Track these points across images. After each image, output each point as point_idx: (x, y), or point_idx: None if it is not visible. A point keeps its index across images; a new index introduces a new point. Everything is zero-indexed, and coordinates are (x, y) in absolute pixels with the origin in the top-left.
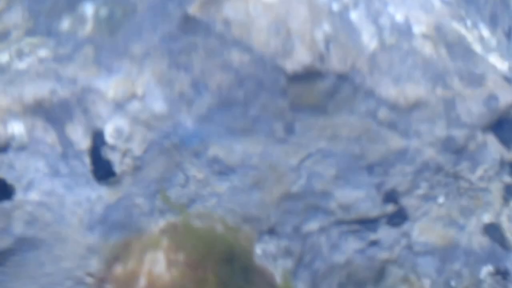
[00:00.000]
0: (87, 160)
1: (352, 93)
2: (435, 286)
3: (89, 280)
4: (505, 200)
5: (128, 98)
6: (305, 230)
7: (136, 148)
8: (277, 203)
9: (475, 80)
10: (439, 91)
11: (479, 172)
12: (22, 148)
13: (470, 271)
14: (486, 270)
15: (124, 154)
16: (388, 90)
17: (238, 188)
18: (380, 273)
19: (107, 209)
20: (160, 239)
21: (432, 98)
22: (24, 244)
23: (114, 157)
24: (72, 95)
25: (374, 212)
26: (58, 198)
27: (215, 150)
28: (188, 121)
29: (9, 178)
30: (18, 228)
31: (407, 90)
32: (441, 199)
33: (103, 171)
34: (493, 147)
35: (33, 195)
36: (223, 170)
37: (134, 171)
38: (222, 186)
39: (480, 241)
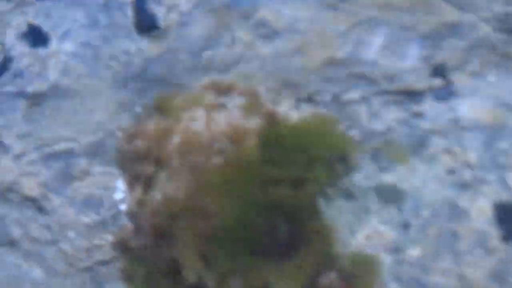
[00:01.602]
0: (130, 12)
1: None
2: (481, 160)
3: (120, 134)
4: None
5: None
6: (345, 99)
7: (184, 3)
8: (319, 69)
9: None
10: None
11: None
12: None
13: None
14: None
15: (170, 8)
16: None
17: (281, 52)
18: (421, 142)
19: (147, 62)
20: (201, 96)
21: None
22: (58, 91)
23: (159, 11)
24: None
25: (420, 85)
26: (93, 50)
27: (264, 13)
28: None
29: (46, 26)
30: (53, 75)
31: None
32: (492, 78)
33: (146, 24)
34: None
35: (68, 46)
36: (269, 34)
37: (180, 26)
38: (266, 50)
39: None
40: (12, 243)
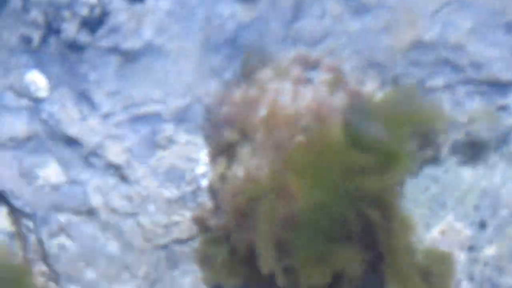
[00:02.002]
0: None
1: None
2: None
3: (207, 99)
4: None
5: None
6: (429, 85)
7: None
8: (405, 51)
9: None
10: None
11: None
12: None
13: None
14: None
15: None
16: None
17: (369, 29)
18: (503, 138)
19: (239, 28)
20: (289, 68)
21: None
22: (152, 50)
23: None
24: None
25: (507, 76)
26: (188, 10)
27: None
28: None
29: None
30: (148, 33)
31: None
32: None
33: None
34: None
35: (165, 3)
36: (359, 8)
37: None
38: (355, 25)
39: None
40: (91, 212)
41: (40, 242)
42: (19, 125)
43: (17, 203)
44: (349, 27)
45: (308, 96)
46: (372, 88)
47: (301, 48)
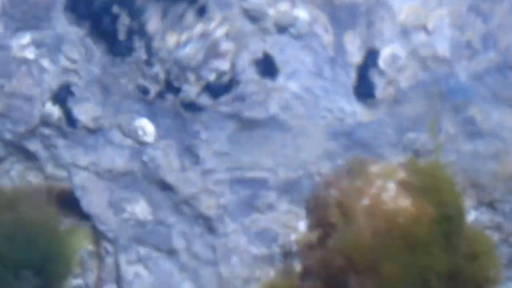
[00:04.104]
0: (353, 74)
1: None
2: None
3: (318, 178)
4: None
5: (416, 27)
6: None
7: (404, 81)
8: (507, 179)
9: None
10: None
11: None
12: (298, 37)
13: None
14: None
15: (390, 82)
16: None
17: (479, 153)
18: None
19: (357, 126)
20: (396, 171)
21: None
22: (274, 124)
23: (379, 82)
24: (365, 2)
25: None
26: (313, 97)
27: (473, 111)
28: (462, 74)
29: (277, 59)
30: (273, 108)
31: None
32: None
33: (364, 90)
34: None
35: (293, 85)
36: (474, 133)
37: (393, 102)
38: (466, 147)
39: None
40: (171, 252)
41: (117, 266)
42: (118, 161)
43: (101, 227)
44: (461, 147)
45: (408, 198)
46: (467, 207)
47: (411, 155)
